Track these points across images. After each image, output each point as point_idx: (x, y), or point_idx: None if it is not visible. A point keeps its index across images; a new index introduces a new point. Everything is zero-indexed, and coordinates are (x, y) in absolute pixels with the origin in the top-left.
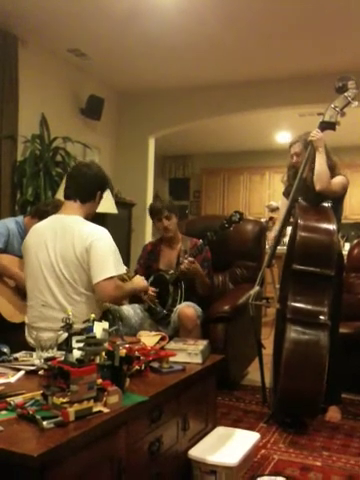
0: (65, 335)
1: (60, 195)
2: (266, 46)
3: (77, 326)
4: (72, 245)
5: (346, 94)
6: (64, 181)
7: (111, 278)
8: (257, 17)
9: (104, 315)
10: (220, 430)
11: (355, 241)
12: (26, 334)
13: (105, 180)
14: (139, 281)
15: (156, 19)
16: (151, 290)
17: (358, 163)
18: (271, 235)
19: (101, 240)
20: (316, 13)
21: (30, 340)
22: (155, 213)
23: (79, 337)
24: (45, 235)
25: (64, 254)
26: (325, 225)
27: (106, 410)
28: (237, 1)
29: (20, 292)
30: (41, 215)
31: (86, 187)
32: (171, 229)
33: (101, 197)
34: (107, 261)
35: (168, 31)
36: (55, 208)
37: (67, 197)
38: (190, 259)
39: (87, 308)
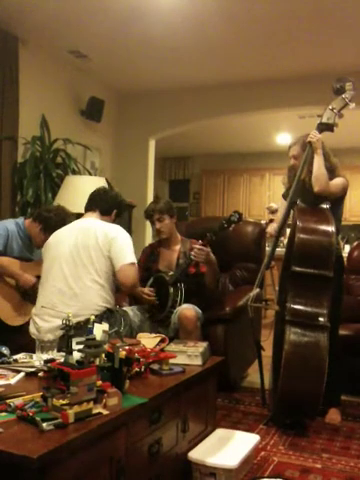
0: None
1: (60, 197)
2: (266, 47)
3: (78, 319)
4: (94, 235)
5: (343, 96)
6: (62, 185)
7: (133, 264)
8: (257, 18)
9: (110, 315)
10: (220, 432)
11: (355, 243)
12: (30, 326)
13: (122, 204)
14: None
15: (156, 20)
16: (149, 290)
17: (358, 165)
18: (272, 227)
19: (123, 233)
20: (316, 14)
21: (34, 331)
22: (147, 216)
23: (79, 339)
24: (67, 233)
25: (86, 242)
26: (323, 227)
27: (106, 412)
28: (237, 3)
29: (20, 292)
30: (43, 220)
31: (106, 202)
32: (164, 231)
33: (116, 216)
34: (128, 250)
35: (168, 32)
36: (57, 215)
37: (87, 210)
38: (199, 246)
39: (95, 296)
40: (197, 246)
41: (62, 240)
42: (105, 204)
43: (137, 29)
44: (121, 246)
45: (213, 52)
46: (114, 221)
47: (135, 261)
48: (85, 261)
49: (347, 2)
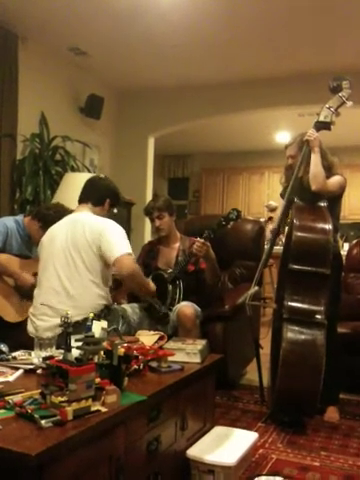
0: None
1: (59, 195)
2: (266, 46)
3: (76, 318)
4: (83, 232)
5: (340, 94)
6: (62, 182)
7: (128, 254)
8: (257, 17)
9: (107, 313)
10: (218, 430)
11: (354, 241)
12: (28, 325)
13: (116, 193)
14: (152, 284)
15: (156, 18)
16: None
17: (357, 163)
18: (269, 229)
19: (113, 226)
20: (316, 13)
21: (32, 330)
22: (147, 214)
23: (78, 336)
24: (59, 230)
25: (75, 240)
26: (320, 225)
27: (104, 409)
28: (237, 1)
29: (19, 291)
30: (42, 218)
31: (97, 191)
32: (163, 228)
33: (110, 206)
34: (122, 241)
35: (168, 30)
36: (57, 212)
37: (80, 201)
38: (201, 240)
39: (91, 295)
40: (200, 240)
41: (54, 238)
42: (96, 193)
43: (137, 26)
44: (110, 239)
45: (213, 50)
46: (109, 211)
47: (129, 250)
48: (76, 260)
49: (347, 1)
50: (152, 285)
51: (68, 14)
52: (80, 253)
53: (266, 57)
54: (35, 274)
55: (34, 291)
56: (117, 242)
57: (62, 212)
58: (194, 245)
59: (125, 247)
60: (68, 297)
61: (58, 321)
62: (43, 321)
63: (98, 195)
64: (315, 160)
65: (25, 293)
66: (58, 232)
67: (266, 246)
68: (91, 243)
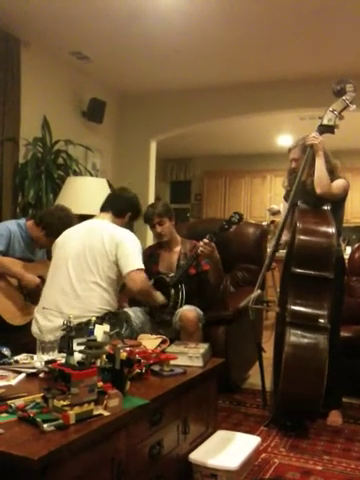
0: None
1: (61, 198)
2: (267, 49)
3: (81, 320)
4: (101, 239)
5: (344, 97)
6: (64, 186)
7: (141, 270)
8: (258, 20)
9: (112, 316)
10: (221, 434)
11: (356, 245)
12: (32, 325)
13: (138, 208)
14: (162, 297)
15: (158, 22)
16: None
17: (359, 167)
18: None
19: (130, 238)
20: (317, 16)
21: (36, 330)
22: (147, 221)
23: (80, 340)
24: (75, 234)
25: (92, 246)
26: (324, 228)
27: (106, 413)
28: (238, 4)
29: (23, 293)
30: (46, 226)
31: (119, 204)
32: (165, 234)
33: (130, 219)
34: (135, 255)
35: (170, 34)
36: (60, 220)
37: (102, 209)
38: (205, 240)
39: (98, 299)
40: (205, 240)
41: (70, 240)
42: (118, 205)
43: (139, 30)
44: (127, 252)
45: (214, 54)
46: (127, 224)
47: (141, 266)
48: (90, 264)
49: (348, 4)
50: (161, 298)
51: (70, 19)
52: (95, 258)
53: (267, 60)
54: (40, 276)
55: (43, 290)
56: (130, 255)
57: (67, 221)
58: (199, 244)
59: (138, 262)
60: (76, 297)
61: (62, 322)
62: (48, 321)
63: (119, 207)
64: (319, 164)
65: (29, 294)
66: (74, 235)
67: (269, 250)
68: (108, 252)
